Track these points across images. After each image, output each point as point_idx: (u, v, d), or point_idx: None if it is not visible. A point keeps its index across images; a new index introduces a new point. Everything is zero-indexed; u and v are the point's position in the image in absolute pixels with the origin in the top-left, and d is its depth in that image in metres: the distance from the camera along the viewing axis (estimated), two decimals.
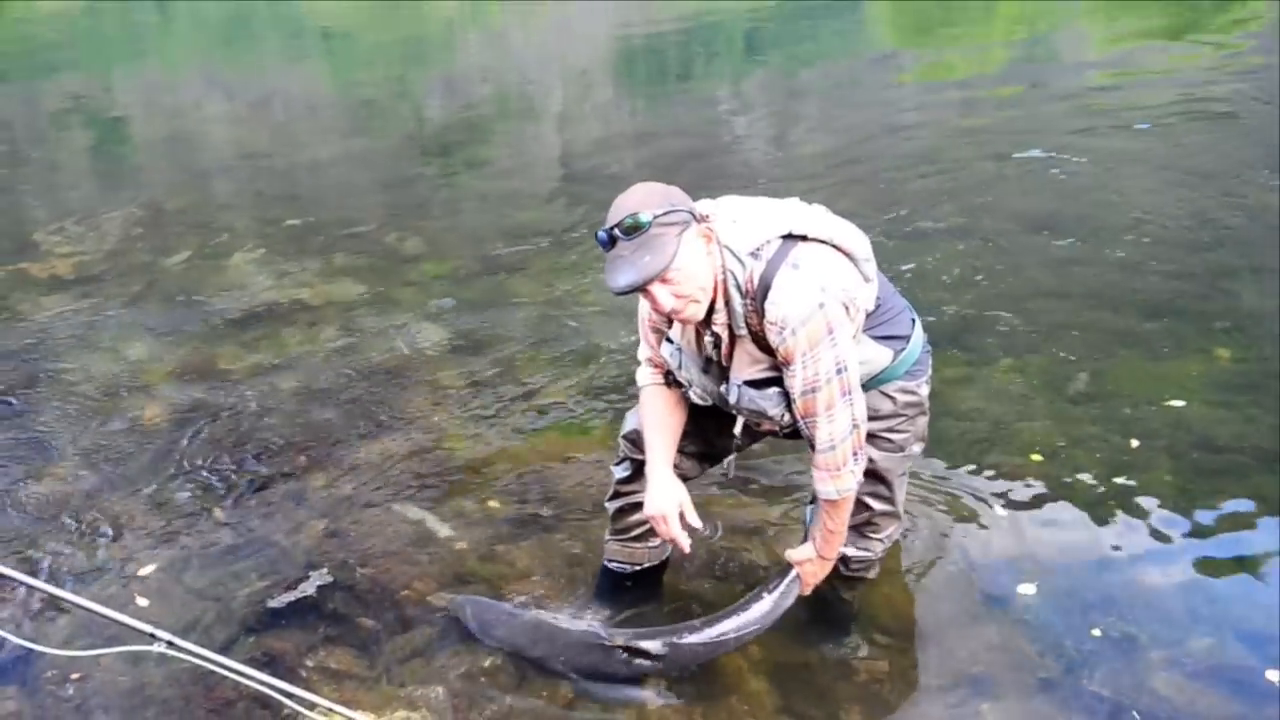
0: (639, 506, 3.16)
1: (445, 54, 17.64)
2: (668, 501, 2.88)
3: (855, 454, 2.73)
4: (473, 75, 15.31)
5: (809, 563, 2.97)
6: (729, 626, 3.02)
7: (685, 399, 2.99)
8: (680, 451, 3.04)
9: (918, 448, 3.10)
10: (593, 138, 11.01)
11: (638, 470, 3.13)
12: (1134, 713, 2.92)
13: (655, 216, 2.50)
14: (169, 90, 15.38)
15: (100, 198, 9.30)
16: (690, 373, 2.86)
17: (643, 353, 3.04)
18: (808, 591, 3.04)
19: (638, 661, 3.01)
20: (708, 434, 3.09)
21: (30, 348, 5.74)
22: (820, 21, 17.09)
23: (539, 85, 14.48)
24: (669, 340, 2.89)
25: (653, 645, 3.00)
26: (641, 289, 2.54)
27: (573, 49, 17.41)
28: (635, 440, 3.13)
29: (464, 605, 3.38)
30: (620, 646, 3.02)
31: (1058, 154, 8.08)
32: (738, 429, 2.96)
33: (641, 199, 2.56)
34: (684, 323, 2.76)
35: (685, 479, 3.08)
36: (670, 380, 2.97)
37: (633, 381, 3.10)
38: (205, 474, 4.40)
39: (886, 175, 8.01)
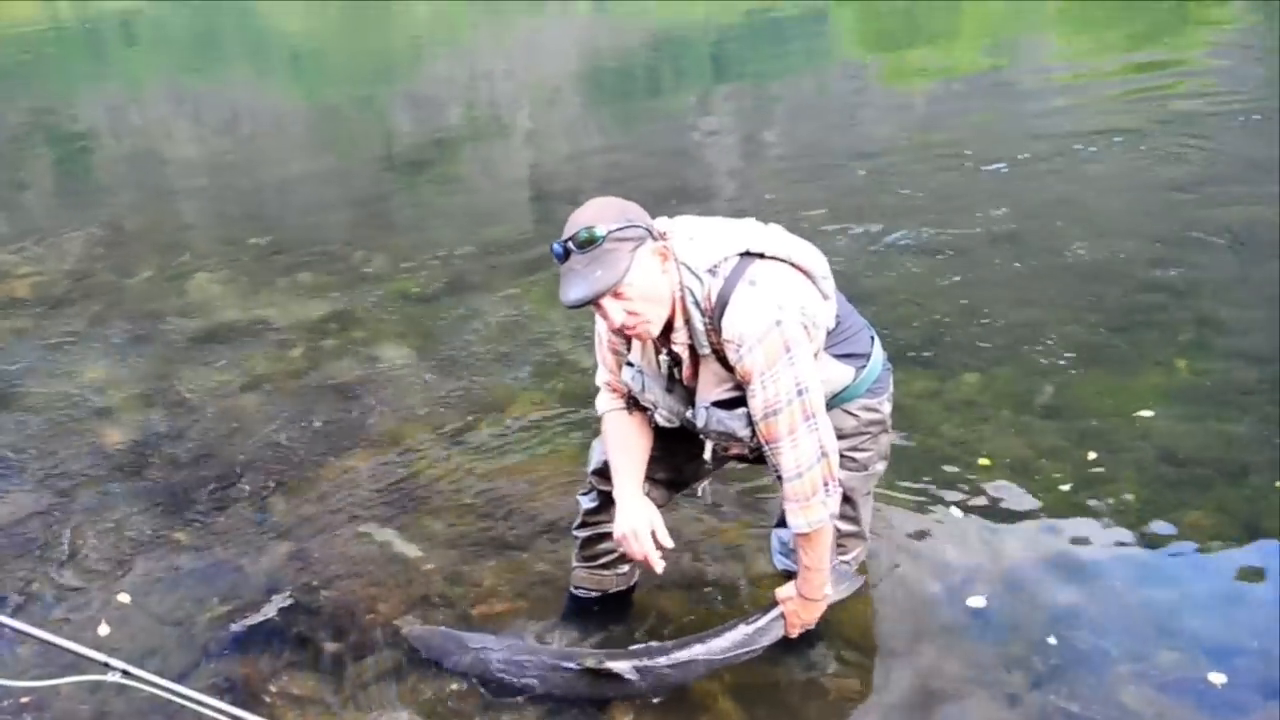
0: (607, 536, 3.10)
1: (413, 71, 17.58)
2: (639, 520, 2.84)
3: (826, 484, 2.69)
4: (441, 92, 15.27)
5: (790, 601, 2.96)
6: (699, 652, 3.01)
7: (649, 423, 2.95)
8: (650, 479, 3.00)
9: (881, 466, 3.10)
10: (561, 154, 11.00)
11: (605, 501, 3.08)
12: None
13: (610, 231, 2.48)
14: (133, 107, 15.26)
15: (61, 217, 9.19)
16: (655, 394, 2.83)
17: (600, 376, 3.01)
18: (794, 633, 3.02)
19: (604, 684, 2.99)
20: (677, 459, 3.06)
21: None
22: (787, 35, 17.16)
23: (507, 101, 14.47)
24: (629, 364, 2.86)
25: (621, 667, 2.98)
26: (593, 303, 2.52)
27: (541, 65, 17.40)
28: (603, 473, 3.08)
29: (424, 637, 3.32)
30: (589, 669, 2.99)
31: (1022, 166, 8.13)
32: (707, 454, 2.92)
33: (597, 213, 2.54)
34: (639, 339, 2.74)
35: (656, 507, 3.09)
36: (631, 404, 2.94)
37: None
38: (167, 497, 4.35)
39: (853, 188, 8.04)
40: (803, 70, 14.56)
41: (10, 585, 3.81)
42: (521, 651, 3.16)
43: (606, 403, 3.00)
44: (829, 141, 10.04)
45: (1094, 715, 2.95)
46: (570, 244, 2.51)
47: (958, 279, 5.97)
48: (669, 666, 3.01)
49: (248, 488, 4.38)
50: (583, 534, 3.27)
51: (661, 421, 2.89)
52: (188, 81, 17.16)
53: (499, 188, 9.72)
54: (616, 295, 2.51)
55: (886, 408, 3.01)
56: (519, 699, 3.08)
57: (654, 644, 3.10)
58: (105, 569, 3.89)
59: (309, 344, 5.80)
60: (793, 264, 2.67)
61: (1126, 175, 7.72)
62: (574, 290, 2.50)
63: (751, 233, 2.70)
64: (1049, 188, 7.57)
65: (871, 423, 2.97)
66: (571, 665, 3.04)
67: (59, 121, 14.09)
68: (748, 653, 3.04)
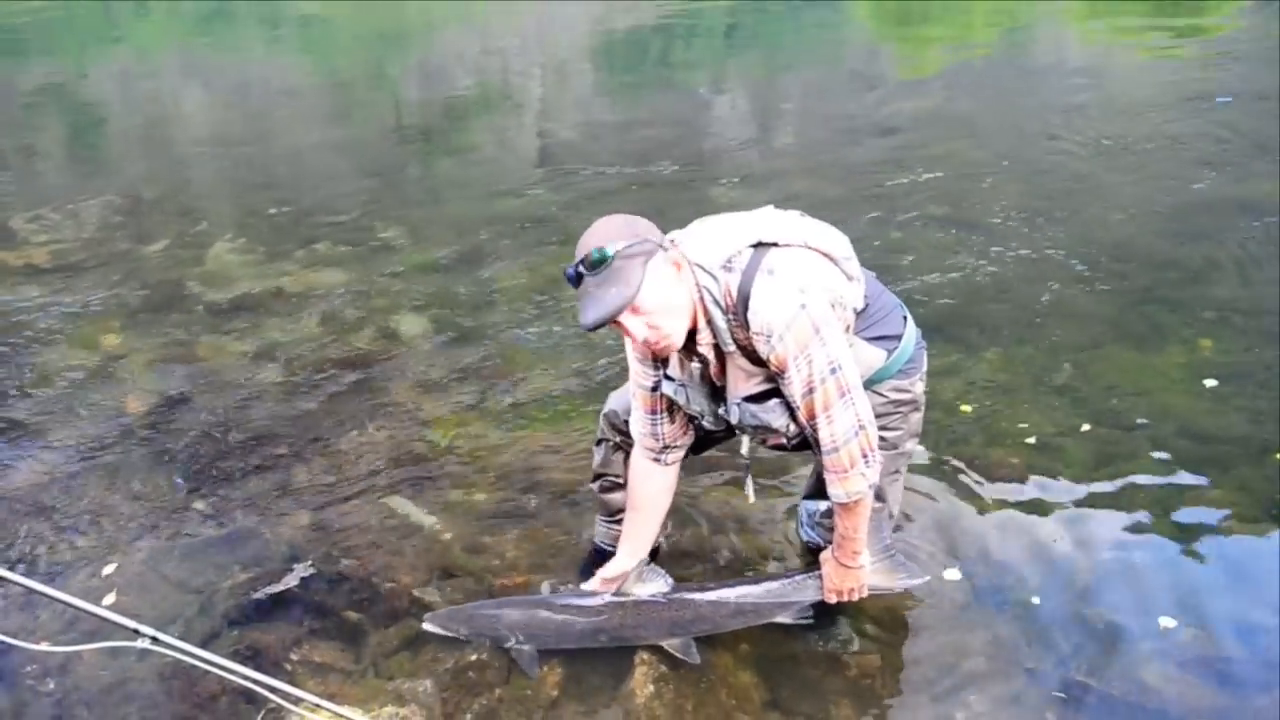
0: (619, 485, 3.24)
1: (425, 43, 17.53)
2: (607, 571, 3.12)
3: (865, 456, 2.68)
4: (452, 64, 15.21)
5: (826, 564, 2.98)
6: (733, 595, 3.11)
7: (672, 484, 3.08)
8: None
9: (911, 444, 3.09)
10: (574, 127, 10.96)
11: (614, 449, 3.21)
12: (1059, 694, 2.95)
13: (619, 249, 2.47)
14: (145, 77, 15.22)
15: (77, 185, 9.20)
16: (700, 404, 2.83)
17: (634, 424, 3.04)
18: (830, 598, 3.03)
19: (639, 621, 3.08)
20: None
21: (7, 337, 5.66)
22: (801, 13, 17.05)
23: (519, 75, 14.41)
24: (669, 378, 2.84)
25: (659, 599, 3.08)
26: (612, 322, 2.51)
27: (553, 39, 17.32)
28: (613, 420, 3.18)
29: (445, 619, 3.24)
30: (625, 603, 3.08)
31: (1040, 145, 8.09)
32: (745, 449, 2.96)
33: (604, 234, 2.52)
34: (664, 352, 2.70)
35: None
36: (666, 451, 2.99)
37: (614, 365, 3.05)
38: (186, 465, 4.36)
39: (868, 166, 8.00)
40: (816, 47, 14.47)
41: (31, 550, 3.82)
42: (549, 603, 3.22)
43: (640, 447, 3.04)
44: (843, 118, 9.98)
45: (1114, 692, 2.96)
46: (582, 267, 2.49)
47: (975, 256, 5.95)
48: (705, 603, 3.09)
49: (267, 457, 4.39)
50: (596, 484, 3.36)
51: (709, 426, 2.90)
52: (199, 52, 17.12)
53: (512, 159, 9.69)
54: (634, 310, 2.50)
55: (919, 387, 2.99)
56: (540, 669, 3.09)
57: (693, 583, 3.21)
58: (125, 536, 3.90)
59: (327, 314, 5.80)
60: (810, 248, 2.64)
61: (1146, 155, 7.66)
62: (590, 312, 2.49)
63: (763, 222, 2.66)
64: (1067, 166, 7.54)
65: (902, 403, 2.95)
66: (605, 600, 3.10)
67: (72, 91, 14.07)
68: (783, 606, 3.08)
